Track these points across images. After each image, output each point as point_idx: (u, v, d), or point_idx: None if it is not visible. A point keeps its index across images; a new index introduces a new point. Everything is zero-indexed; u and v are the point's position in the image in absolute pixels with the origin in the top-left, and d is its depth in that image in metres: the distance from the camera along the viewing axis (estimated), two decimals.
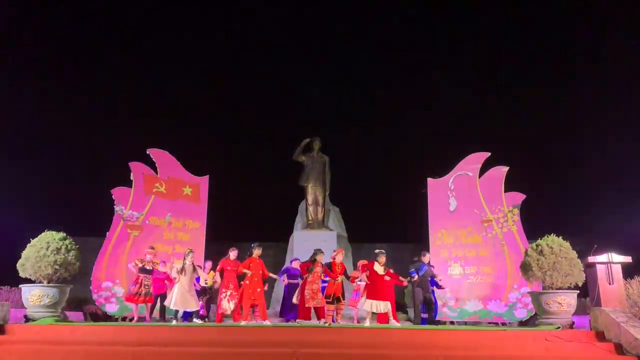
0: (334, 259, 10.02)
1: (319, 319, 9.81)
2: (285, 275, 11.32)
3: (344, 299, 10.08)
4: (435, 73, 20.15)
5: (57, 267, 9.43)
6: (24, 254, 9.56)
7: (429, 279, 10.65)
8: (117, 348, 7.36)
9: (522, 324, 11.02)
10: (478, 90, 19.69)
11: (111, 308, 11.14)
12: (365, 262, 10.50)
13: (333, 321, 9.54)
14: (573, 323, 9.13)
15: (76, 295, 11.14)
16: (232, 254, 10.15)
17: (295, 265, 11.31)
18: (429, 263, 10.85)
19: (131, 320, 10.46)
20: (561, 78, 18.90)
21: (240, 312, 9.75)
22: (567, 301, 9.00)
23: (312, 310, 9.93)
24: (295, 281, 11.00)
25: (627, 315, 8.06)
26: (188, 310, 9.62)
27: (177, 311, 9.51)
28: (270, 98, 21.18)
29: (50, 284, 9.42)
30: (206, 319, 10.87)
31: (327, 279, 9.82)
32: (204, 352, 7.28)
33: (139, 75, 19.78)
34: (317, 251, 9.90)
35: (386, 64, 21.37)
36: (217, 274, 10.20)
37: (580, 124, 17.51)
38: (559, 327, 8.56)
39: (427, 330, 8.65)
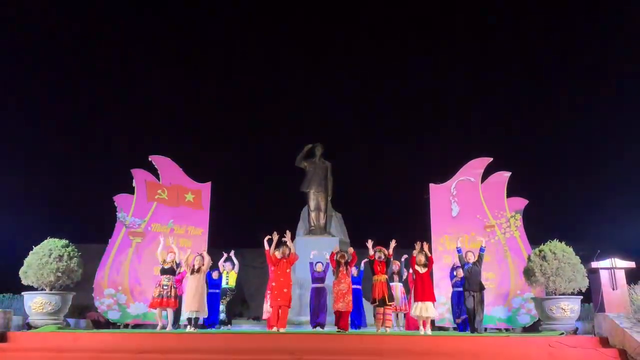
0: (373, 254, 9.21)
1: (338, 324, 9.22)
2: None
3: (392, 300, 9.21)
4: (437, 79, 20.21)
5: (59, 274, 9.43)
6: (27, 261, 9.57)
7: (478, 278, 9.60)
8: (120, 355, 7.39)
9: (526, 329, 10.97)
10: (480, 96, 19.72)
11: (113, 315, 11.11)
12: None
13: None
14: (577, 329, 9.10)
15: (78, 302, 11.11)
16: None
17: (319, 268, 10.70)
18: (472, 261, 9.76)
19: (132, 327, 10.43)
20: (563, 83, 18.94)
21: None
22: (571, 307, 8.98)
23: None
24: (321, 285, 10.56)
25: (631, 321, 8.01)
26: (194, 315, 9.30)
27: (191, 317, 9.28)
28: (272, 104, 21.23)
29: (52, 291, 9.42)
30: (229, 325, 10.72)
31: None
32: (206, 359, 7.27)
33: (141, 82, 19.84)
34: (337, 247, 9.55)
35: (388, 69, 21.43)
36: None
37: (583, 129, 17.51)
38: (562, 333, 8.53)
39: (430, 337, 8.61)
